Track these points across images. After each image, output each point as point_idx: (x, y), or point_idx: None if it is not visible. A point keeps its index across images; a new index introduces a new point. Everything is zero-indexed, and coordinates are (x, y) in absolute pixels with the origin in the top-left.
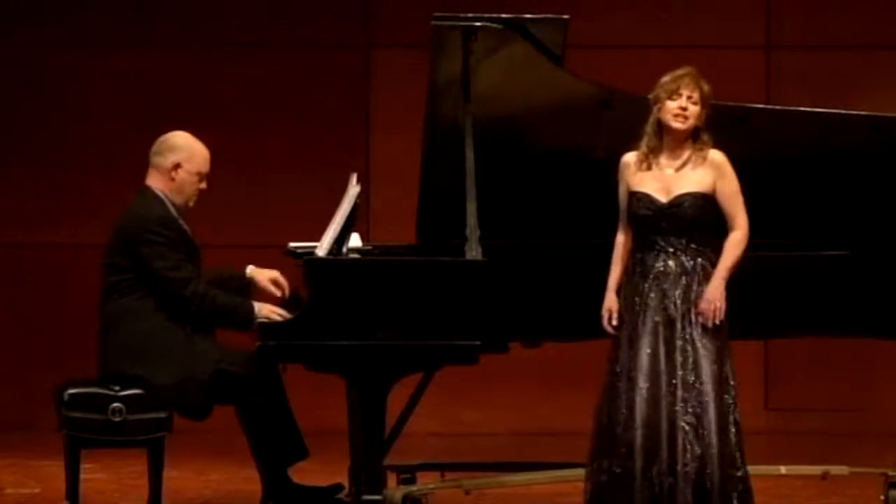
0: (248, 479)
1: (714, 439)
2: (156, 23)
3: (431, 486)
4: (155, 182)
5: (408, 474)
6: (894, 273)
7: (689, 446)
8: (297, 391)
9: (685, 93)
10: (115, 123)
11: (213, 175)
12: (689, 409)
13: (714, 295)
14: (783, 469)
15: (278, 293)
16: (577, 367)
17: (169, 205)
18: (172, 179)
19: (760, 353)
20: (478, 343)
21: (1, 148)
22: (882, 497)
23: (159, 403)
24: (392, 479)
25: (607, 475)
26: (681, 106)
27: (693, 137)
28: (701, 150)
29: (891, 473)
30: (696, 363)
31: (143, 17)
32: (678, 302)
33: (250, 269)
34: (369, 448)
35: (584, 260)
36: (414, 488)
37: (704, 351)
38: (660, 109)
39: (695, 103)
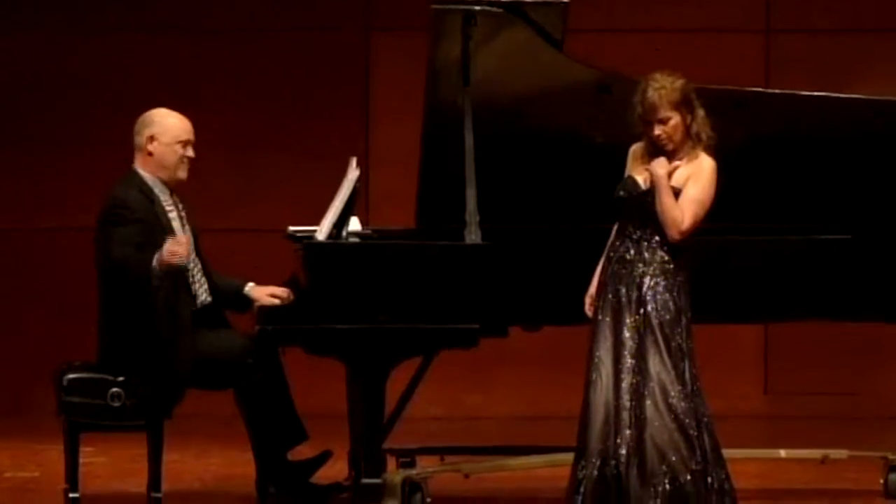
0: (247, 463)
1: (652, 429)
2: (156, 6)
3: (431, 469)
4: (139, 163)
5: (407, 458)
6: (894, 257)
7: (628, 432)
8: (297, 375)
9: (654, 119)
10: (112, 108)
11: (213, 159)
12: (631, 398)
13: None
14: (783, 453)
15: (279, 302)
16: (577, 350)
17: (151, 183)
18: (151, 154)
19: (760, 338)
20: (477, 327)
21: None
22: (881, 480)
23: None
24: (392, 463)
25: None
26: (656, 134)
27: (688, 136)
28: (695, 149)
29: (890, 457)
30: (642, 353)
31: (144, 1)
32: (631, 290)
33: (249, 287)
34: (369, 432)
35: (583, 244)
36: (413, 472)
37: (651, 340)
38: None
39: (667, 120)
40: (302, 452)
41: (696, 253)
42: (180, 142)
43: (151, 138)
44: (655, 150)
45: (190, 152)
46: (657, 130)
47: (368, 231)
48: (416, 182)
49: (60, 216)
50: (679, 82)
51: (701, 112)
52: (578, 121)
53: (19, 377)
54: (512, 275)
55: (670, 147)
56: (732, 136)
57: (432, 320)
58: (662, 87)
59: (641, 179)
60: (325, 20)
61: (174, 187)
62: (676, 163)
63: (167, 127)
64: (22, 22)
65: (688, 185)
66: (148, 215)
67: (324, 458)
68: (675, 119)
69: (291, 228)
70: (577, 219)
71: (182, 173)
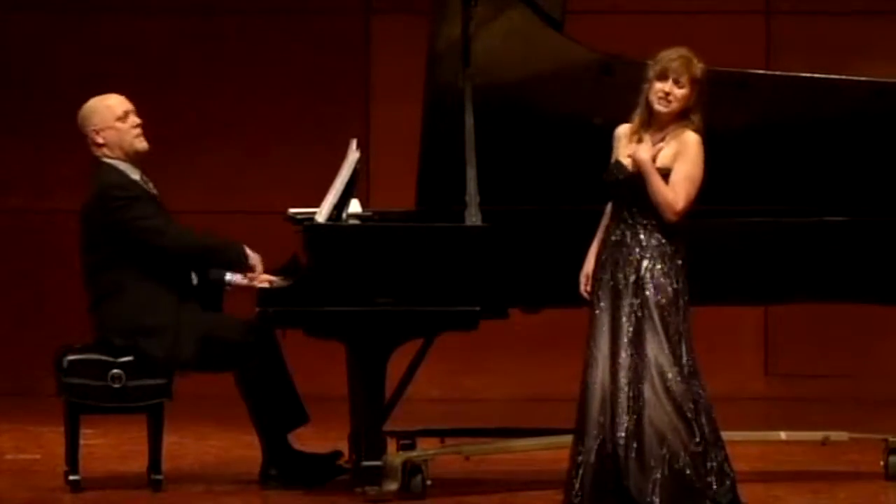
0: (248, 446)
1: (650, 412)
2: None
3: (431, 451)
4: (100, 154)
5: (408, 440)
6: (894, 239)
7: (626, 416)
8: (297, 357)
9: (672, 76)
10: (112, 91)
11: (214, 142)
12: (629, 381)
13: (637, 156)
14: (783, 435)
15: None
16: (577, 333)
17: (123, 167)
18: (104, 145)
19: (760, 320)
20: (477, 309)
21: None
22: (882, 462)
23: (156, 374)
24: (392, 445)
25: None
26: (665, 90)
27: (682, 116)
28: (683, 128)
29: (891, 439)
30: (639, 337)
31: None
32: (628, 274)
33: (229, 276)
34: (369, 414)
35: (583, 226)
36: (414, 454)
37: (650, 324)
38: (648, 88)
39: (681, 87)
40: (306, 436)
41: (694, 235)
42: (118, 118)
43: (95, 131)
44: (645, 123)
45: (133, 120)
46: (667, 87)
47: (369, 213)
48: (416, 164)
49: (61, 198)
50: (703, 65)
51: (702, 101)
52: (579, 102)
53: (20, 358)
54: (512, 256)
55: (665, 110)
56: (733, 118)
57: (433, 302)
58: (690, 59)
59: (628, 162)
60: (325, 2)
61: (140, 163)
62: (660, 145)
63: (101, 113)
64: (17, 2)
65: (676, 163)
66: (146, 191)
67: (334, 457)
68: (686, 90)
69: (292, 210)
70: (577, 200)
71: (140, 143)
